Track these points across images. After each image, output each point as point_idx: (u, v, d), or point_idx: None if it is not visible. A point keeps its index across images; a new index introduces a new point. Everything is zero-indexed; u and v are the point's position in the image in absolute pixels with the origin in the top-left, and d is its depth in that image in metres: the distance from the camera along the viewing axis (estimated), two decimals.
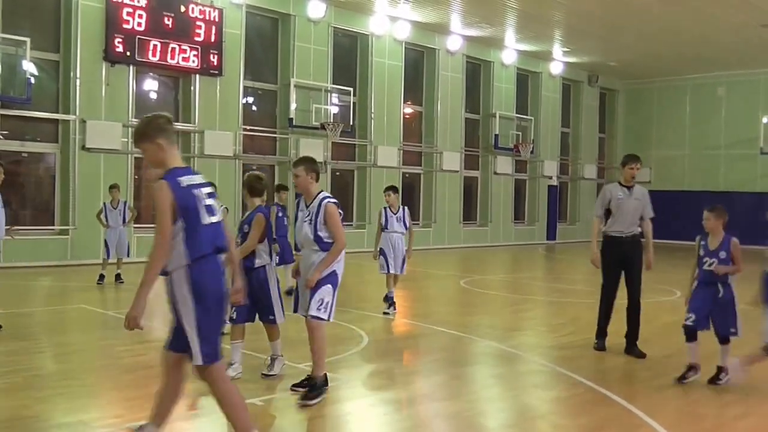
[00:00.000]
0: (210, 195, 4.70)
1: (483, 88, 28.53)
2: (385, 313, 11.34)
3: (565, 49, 28.59)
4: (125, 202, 14.86)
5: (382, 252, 11.45)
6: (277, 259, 12.22)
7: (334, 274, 6.50)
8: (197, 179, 4.66)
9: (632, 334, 8.67)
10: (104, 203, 14.67)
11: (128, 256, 14.75)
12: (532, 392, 7.26)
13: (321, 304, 6.40)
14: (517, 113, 29.23)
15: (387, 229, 11.46)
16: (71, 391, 6.19)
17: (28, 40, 16.60)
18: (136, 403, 6.40)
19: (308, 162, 6.64)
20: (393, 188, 11.72)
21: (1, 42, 16.56)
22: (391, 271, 11.46)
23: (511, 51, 28.27)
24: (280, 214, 12.66)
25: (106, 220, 14.47)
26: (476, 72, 28.33)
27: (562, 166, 32.25)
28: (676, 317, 11.63)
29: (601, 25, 24.40)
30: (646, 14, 22.54)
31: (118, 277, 14.33)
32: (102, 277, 14.23)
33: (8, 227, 10.33)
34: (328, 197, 6.52)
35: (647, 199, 8.67)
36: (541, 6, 22.41)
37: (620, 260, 8.59)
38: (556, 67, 30.57)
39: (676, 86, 32.95)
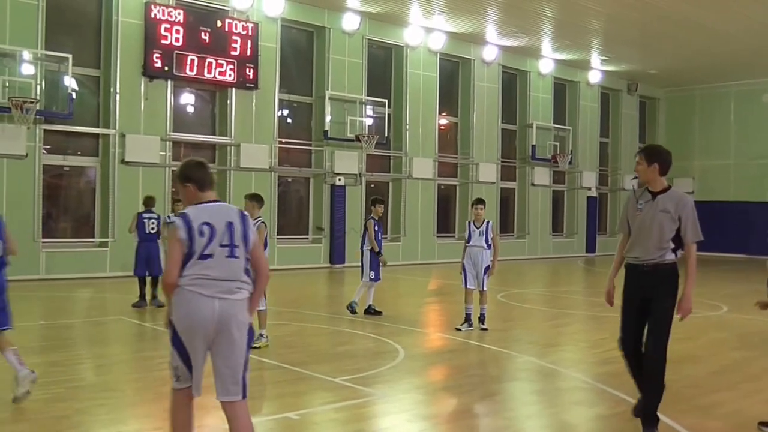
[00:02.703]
0: None
1: (519, 98, 28.32)
2: (457, 329, 11.08)
3: (604, 58, 28.26)
4: None
5: (463, 266, 11.24)
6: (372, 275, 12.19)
7: (171, 326, 4.60)
8: None
9: (644, 402, 6.06)
10: (168, 216, 14.63)
11: None
12: (573, 410, 7.06)
13: (172, 371, 4.70)
14: (554, 123, 28.94)
15: (469, 243, 11.23)
16: (111, 402, 6.19)
17: (70, 56, 16.88)
18: None
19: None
20: (481, 201, 11.42)
21: (44, 59, 16.89)
22: (469, 286, 11.18)
23: (547, 60, 28.04)
24: (377, 228, 12.38)
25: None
26: (512, 82, 28.13)
27: (602, 177, 31.84)
28: (724, 333, 11.42)
29: (640, 32, 24.08)
30: (687, 20, 22.18)
31: None
32: None
33: None
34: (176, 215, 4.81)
35: (686, 211, 5.91)
36: (577, 14, 22.18)
37: (638, 298, 6.03)
38: (594, 76, 30.24)
39: (719, 93, 32.28)
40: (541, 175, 28.51)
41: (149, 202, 13.58)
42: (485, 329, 10.97)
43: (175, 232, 4.52)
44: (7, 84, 16.06)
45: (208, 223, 4.55)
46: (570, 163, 29.10)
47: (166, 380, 7.31)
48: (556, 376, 8.42)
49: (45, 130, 17.09)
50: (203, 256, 4.49)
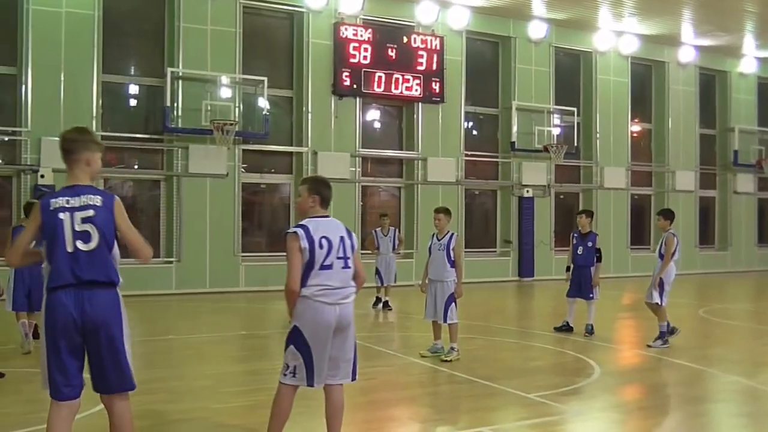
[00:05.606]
0: (87, 219, 4.33)
1: (719, 101, 26.63)
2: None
3: None
4: (395, 230, 15.12)
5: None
6: None
7: (294, 331, 5.19)
8: (73, 202, 4.36)
9: None
10: (375, 231, 15.14)
11: (394, 281, 14.90)
12: None
13: (287, 369, 5.26)
14: (759, 126, 26.91)
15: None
16: (310, 410, 6.29)
17: (265, 79, 17.83)
18: (372, 425, 6.50)
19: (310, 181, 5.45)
20: (660, 212, 10.87)
21: (241, 82, 17.94)
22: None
23: (750, 59, 26.17)
24: (575, 241, 11.74)
25: (378, 247, 14.95)
26: (711, 84, 26.51)
27: None
28: None
29: None
30: None
31: (386, 304, 14.63)
32: (378, 300, 14.79)
33: None
34: (292, 227, 5.31)
35: None
36: None
37: None
38: None
39: None
40: (745, 182, 26.58)
41: None
42: (665, 345, 10.24)
43: (297, 242, 5.04)
44: (209, 108, 17.22)
45: (326, 237, 5.11)
46: None
47: (363, 390, 7.42)
48: (767, 398, 7.76)
49: (243, 150, 18.12)
50: (324, 267, 5.07)
